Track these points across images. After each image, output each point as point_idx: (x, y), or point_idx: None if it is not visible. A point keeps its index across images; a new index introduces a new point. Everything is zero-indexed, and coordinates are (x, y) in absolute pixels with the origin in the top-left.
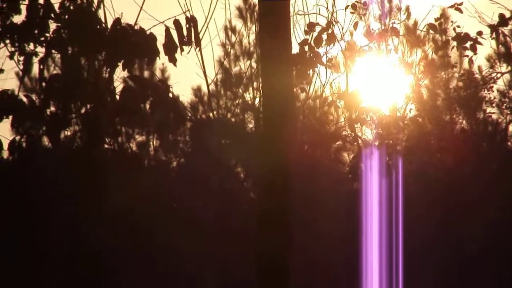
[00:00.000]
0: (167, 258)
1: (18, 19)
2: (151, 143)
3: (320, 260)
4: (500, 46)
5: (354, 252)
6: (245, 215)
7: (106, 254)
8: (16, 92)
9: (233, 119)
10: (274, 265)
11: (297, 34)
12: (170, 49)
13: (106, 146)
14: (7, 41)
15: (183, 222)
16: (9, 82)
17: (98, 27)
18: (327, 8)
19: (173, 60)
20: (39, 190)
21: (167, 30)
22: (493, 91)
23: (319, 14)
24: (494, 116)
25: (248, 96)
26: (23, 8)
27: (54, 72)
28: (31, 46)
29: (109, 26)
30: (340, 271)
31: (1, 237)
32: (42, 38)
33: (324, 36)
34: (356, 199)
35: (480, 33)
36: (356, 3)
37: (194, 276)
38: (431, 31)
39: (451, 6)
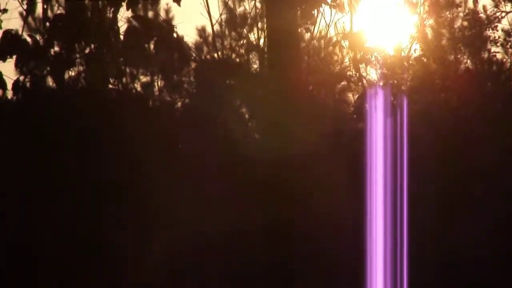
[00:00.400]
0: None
1: None
2: (155, 83)
3: (322, 204)
4: None
5: (358, 184)
6: (249, 155)
7: (109, 185)
8: (19, 32)
9: (237, 60)
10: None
11: None
12: None
13: (110, 86)
14: None
15: (187, 163)
16: (13, 22)
17: None
18: None
19: (177, 0)
20: (44, 130)
21: None
22: (497, 31)
23: None
24: (499, 56)
25: (252, 37)
26: None
27: (58, 12)
28: None
29: None
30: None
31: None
32: None
33: None
34: (360, 139)
35: None
36: None
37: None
38: None
39: None
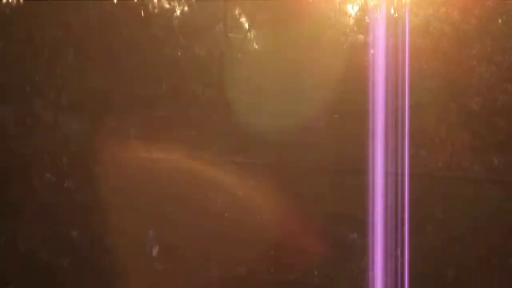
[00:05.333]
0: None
1: None
2: None
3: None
4: None
5: (361, 102)
6: (249, 64)
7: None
8: None
9: None
10: None
11: None
12: None
13: None
14: None
15: (187, 70)
16: None
17: None
18: None
19: None
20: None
21: None
22: None
23: None
24: None
25: None
26: None
27: None
28: None
29: None
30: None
31: None
32: None
33: None
34: (361, 51)
35: None
36: None
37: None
38: None
39: None
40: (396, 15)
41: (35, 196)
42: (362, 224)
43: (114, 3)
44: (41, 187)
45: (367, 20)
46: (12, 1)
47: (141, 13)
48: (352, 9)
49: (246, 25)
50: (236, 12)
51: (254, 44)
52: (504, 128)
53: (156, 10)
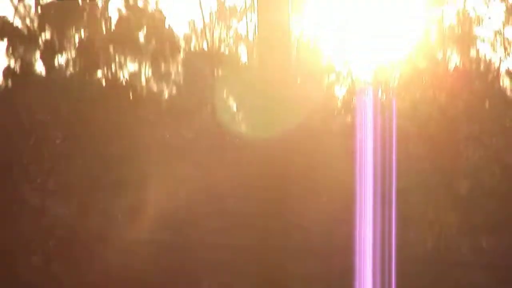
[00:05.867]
0: (160, 186)
1: None
2: (143, 73)
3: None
4: None
5: (348, 180)
6: (237, 147)
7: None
8: (10, 19)
9: (226, 51)
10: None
11: None
12: None
13: (99, 73)
14: None
15: (174, 152)
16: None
17: None
18: None
19: None
20: (33, 115)
21: None
22: (487, 30)
23: None
24: (487, 55)
25: (242, 29)
26: None
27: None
28: None
29: None
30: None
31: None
32: None
33: None
34: (349, 134)
35: None
36: None
37: (188, 204)
38: None
39: None
40: (384, 98)
41: (20, 279)
42: None
43: (102, 86)
44: (27, 271)
45: (355, 103)
46: (0, 85)
47: (130, 96)
48: (339, 92)
49: (234, 108)
50: (224, 94)
51: (242, 127)
52: (493, 211)
53: (144, 93)
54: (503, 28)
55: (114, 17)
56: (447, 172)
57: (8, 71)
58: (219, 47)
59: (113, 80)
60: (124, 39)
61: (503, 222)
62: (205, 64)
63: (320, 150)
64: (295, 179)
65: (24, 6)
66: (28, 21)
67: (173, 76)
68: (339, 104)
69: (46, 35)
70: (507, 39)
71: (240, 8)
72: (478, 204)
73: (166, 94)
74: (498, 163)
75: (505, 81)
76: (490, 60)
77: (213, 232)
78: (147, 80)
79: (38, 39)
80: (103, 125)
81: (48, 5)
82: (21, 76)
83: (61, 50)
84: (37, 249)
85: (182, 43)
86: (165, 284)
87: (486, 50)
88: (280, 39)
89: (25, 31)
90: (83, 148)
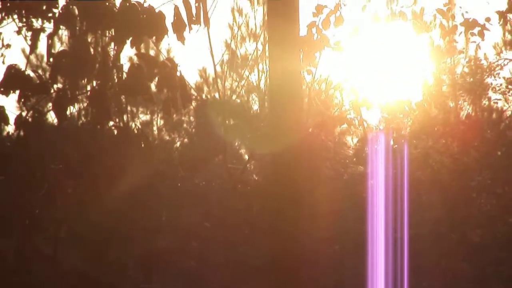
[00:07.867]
0: (172, 235)
1: None
2: (155, 122)
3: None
4: (507, 33)
5: (360, 233)
6: (248, 196)
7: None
8: (21, 68)
9: (238, 100)
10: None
11: (305, 16)
12: (179, 28)
13: (111, 123)
14: (15, 16)
15: (187, 200)
16: (12, 59)
17: (107, 3)
18: None
19: (181, 39)
20: (45, 166)
21: (176, 8)
22: (499, 78)
23: None
24: (499, 104)
25: (253, 78)
26: None
27: (62, 48)
28: (39, 21)
29: (118, 3)
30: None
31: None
32: (50, 14)
33: (332, 18)
34: (361, 182)
35: (488, 19)
36: None
37: (200, 253)
38: (438, 16)
39: None
40: (396, 146)
41: None
42: None
43: (113, 134)
44: None
45: (367, 151)
46: (12, 134)
47: (141, 145)
48: (351, 140)
49: (246, 157)
50: (236, 144)
51: (254, 176)
52: (506, 260)
53: (156, 142)
54: None
55: (125, 66)
56: (459, 220)
57: (20, 120)
58: (231, 96)
59: (125, 129)
60: (136, 88)
61: None
62: (217, 113)
63: (331, 198)
64: (305, 227)
65: (36, 56)
66: (40, 70)
67: (184, 125)
68: (351, 152)
69: (58, 84)
70: None
71: (251, 56)
72: (491, 253)
73: (177, 143)
74: (510, 212)
75: None
76: (502, 108)
77: (224, 285)
78: (159, 129)
79: (50, 89)
80: (115, 173)
81: (60, 53)
82: (33, 125)
83: (73, 99)
84: None
85: (194, 92)
86: None
87: (498, 98)
88: (292, 87)
89: (37, 80)
90: (94, 197)
